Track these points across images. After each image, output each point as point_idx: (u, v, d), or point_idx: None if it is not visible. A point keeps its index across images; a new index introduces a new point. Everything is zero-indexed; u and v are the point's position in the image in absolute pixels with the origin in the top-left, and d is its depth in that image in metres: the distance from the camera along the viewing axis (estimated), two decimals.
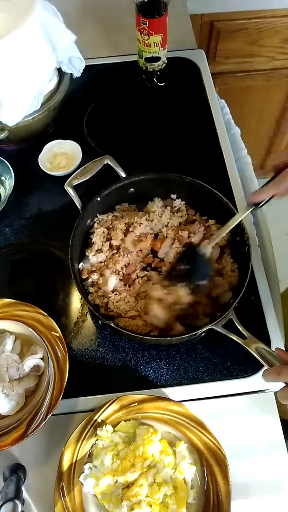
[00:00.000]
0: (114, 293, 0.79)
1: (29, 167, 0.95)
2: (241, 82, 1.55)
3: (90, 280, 0.80)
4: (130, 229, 0.85)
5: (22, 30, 0.83)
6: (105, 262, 0.82)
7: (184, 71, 1.14)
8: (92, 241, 0.84)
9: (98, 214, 0.87)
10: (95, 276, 0.80)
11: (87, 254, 0.82)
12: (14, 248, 0.91)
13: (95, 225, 0.86)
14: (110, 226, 0.86)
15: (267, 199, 0.73)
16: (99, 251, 0.83)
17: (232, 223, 0.77)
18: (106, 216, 0.87)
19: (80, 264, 0.81)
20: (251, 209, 0.76)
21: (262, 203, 0.74)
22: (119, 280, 0.80)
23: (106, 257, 0.82)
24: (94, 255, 0.82)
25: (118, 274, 0.81)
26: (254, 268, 0.84)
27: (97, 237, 0.84)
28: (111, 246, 0.84)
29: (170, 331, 0.75)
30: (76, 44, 0.97)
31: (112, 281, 0.79)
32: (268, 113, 1.70)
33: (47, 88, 0.94)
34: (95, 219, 0.87)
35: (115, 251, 0.83)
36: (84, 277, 0.80)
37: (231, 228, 0.77)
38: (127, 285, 0.80)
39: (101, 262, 0.82)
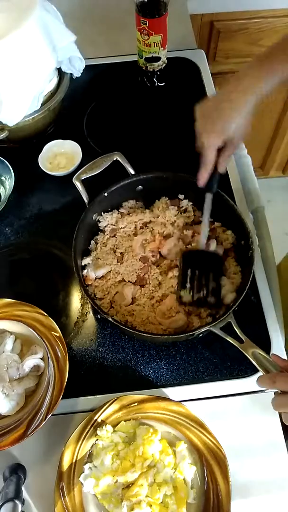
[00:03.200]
0: (136, 304, 0.78)
1: (29, 167, 0.95)
2: None
3: (107, 300, 0.79)
4: (139, 232, 0.85)
5: (22, 30, 0.83)
6: (111, 272, 0.81)
7: (184, 71, 1.14)
8: (96, 252, 0.84)
9: (102, 213, 0.87)
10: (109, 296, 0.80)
11: (91, 260, 0.82)
12: (14, 248, 0.91)
13: (99, 234, 0.86)
14: (115, 227, 0.86)
15: (212, 181, 0.77)
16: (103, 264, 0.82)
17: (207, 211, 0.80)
18: (110, 214, 0.87)
19: (85, 271, 0.80)
20: (211, 195, 0.79)
21: (213, 185, 0.78)
22: (133, 286, 0.79)
23: (111, 269, 0.81)
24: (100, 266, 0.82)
25: (134, 283, 0.80)
26: (254, 268, 0.83)
27: (99, 247, 0.84)
28: (115, 253, 0.84)
29: (187, 327, 0.76)
30: (76, 44, 0.97)
31: (129, 291, 0.78)
32: (268, 113, 1.70)
33: (47, 88, 0.94)
34: (100, 217, 0.87)
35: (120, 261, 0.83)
36: (89, 283, 0.80)
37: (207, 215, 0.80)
38: (142, 285, 0.80)
39: (108, 272, 0.81)
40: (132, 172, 0.85)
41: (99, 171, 0.83)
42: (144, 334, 0.72)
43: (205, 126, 0.72)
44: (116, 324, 0.70)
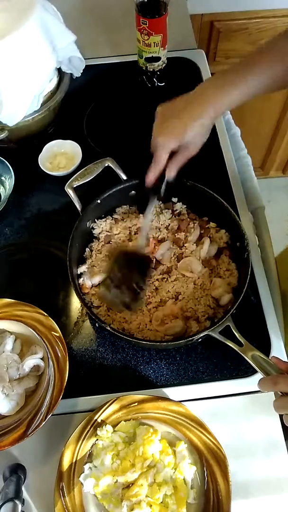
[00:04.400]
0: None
1: (29, 167, 0.95)
2: None
3: (104, 308, 0.78)
4: (133, 238, 0.85)
5: (22, 30, 0.83)
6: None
7: (184, 71, 1.14)
8: (91, 260, 0.83)
9: (96, 220, 0.87)
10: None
11: (86, 268, 0.82)
12: (14, 248, 0.91)
13: (93, 239, 0.85)
14: (109, 233, 0.86)
15: (163, 185, 0.76)
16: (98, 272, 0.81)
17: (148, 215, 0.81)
18: (104, 221, 0.87)
19: (81, 279, 0.80)
20: (155, 199, 0.80)
21: (162, 188, 0.77)
22: None
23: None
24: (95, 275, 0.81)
25: None
26: (254, 269, 0.83)
27: (94, 254, 0.84)
28: (109, 258, 0.83)
29: (184, 332, 0.75)
30: (76, 44, 0.97)
31: None
32: (268, 113, 1.70)
33: (47, 88, 0.94)
34: (93, 224, 0.86)
35: None
36: (85, 291, 0.79)
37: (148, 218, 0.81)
38: None
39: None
40: (124, 177, 0.85)
41: (91, 177, 0.82)
42: (143, 342, 0.72)
43: (162, 127, 0.73)
44: (115, 333, 0.70)
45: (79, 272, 0.81)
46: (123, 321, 0.77)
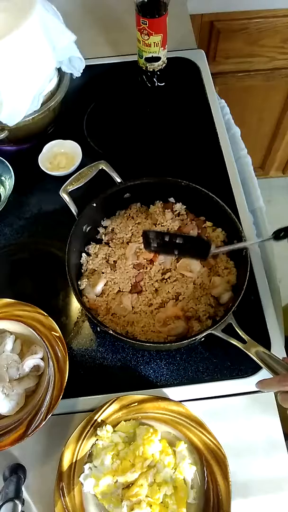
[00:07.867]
0: (133, 312, 0.78)
1: (29, 167, 0.95)
2: (241, 82, 1.55)
3: (109, 316, 0.78)
4: (133, 240, 0.85)
5: (22, 30, 0.83)
6: (108, 283, 0.81)
7: (184, 71, 1.14)
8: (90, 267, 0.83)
9: (102, 220, 0.87)
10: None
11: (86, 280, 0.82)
12: (14, 248, 0.91)
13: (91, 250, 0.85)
14: (112, 235, 0.86)
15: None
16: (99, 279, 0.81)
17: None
18: (110, 222, 0.86)
19: (84, 297, 0.79)
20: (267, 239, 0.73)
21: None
22: (130, 295, 0.79)
23: (107, 280, 0.81)
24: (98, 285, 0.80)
25: (130, 291, 0.80)
26: (254, 268, 0.83)
27: (91, 259, 0.83)
28: (108, 262, 0.83)
29: (187, 332, 0.75)
30: (76, 44, 0.97)
31: (128, 300, 0.78)
32: (268, 113, 1.70)
33: (47, 88, 0.94)
34: (100, 225, 0.87)
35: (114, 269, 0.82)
36: (93, 307, 0.78)
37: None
38: (139, 292, 0.80)
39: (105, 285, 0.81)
40: (119, 180, 0.84)
41: (86, 181, 0.82)
42: (147, 344, 0.72)
43: None
44: (119, 337, 0.69)
45: (81, 288, 0.80)
46: (127, 325, 0.77)
